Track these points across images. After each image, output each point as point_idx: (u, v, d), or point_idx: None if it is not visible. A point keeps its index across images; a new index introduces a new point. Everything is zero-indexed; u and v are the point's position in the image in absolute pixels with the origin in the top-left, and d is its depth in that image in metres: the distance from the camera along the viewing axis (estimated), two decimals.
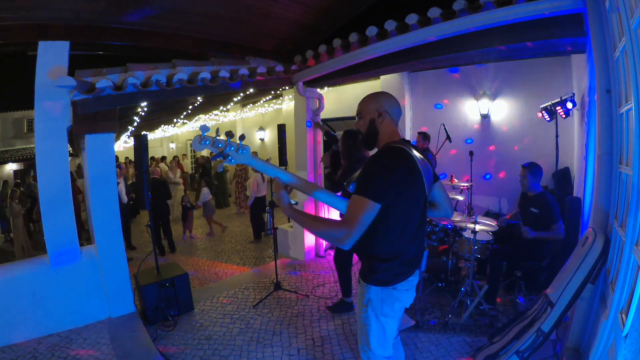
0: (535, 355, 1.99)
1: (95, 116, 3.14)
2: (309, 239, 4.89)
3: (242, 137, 1.43)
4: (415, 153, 1.50)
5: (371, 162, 1.44)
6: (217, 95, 5.87)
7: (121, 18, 3.57)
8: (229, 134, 1.40)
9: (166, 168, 9.68)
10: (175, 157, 13.27)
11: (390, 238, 1.44)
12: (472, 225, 3.05)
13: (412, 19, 2.89)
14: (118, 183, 3.89)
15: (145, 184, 3.52)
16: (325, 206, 4.68)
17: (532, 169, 3.20)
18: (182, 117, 9.22)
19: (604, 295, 1.89)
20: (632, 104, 1.47)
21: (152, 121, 9.40)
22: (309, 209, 4.82)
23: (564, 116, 3.78)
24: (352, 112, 5.89)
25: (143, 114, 6.27)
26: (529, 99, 4.95)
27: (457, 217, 3.79)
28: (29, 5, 3.03)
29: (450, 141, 4.95)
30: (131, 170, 8.99)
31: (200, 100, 6.15)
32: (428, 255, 3.43)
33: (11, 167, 17.28)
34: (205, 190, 7.23)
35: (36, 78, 3.03)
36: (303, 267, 4.60)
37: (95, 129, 3.19)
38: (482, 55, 3.38)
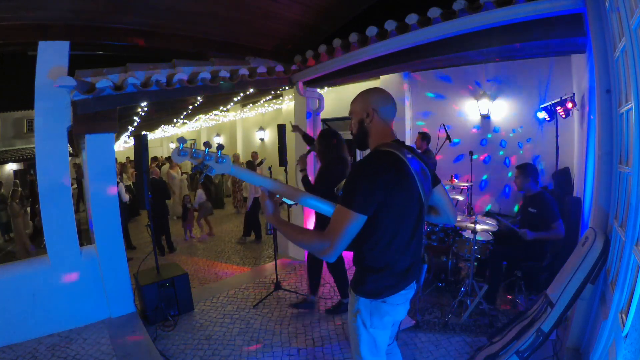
0: (535, 355, 1.99)
1: (95, 116, 3.14)
2: None
3: (220, 147, 1.41)
4: (409, 156, 1.37)
5: (355, 169, 1.35)
6: (217, 95, 5.88)
7: (121, 18, 3.57)
8: (207, 145, 1.39)
9: (178, 172, 9.59)
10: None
11: (379, 248, 1.36)
12: (472, 225, 3.05)
13: (412, 19, 2.89)
14: (118, 182, 3.89)
15: (145, 184, 3.52)
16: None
17: (524, 169, 3.21)
18: (182, 117, 9.23)
19: (604, 295, 1.89)
20: (632, 104, 1.47)
21: (152, 121, 9.40)
22: (309, 209, 4.81)
23: (564, 116, 3.79)
24: None
25: (143, 114, 6.27)
26: (529, 99, 4.95)
27: (457, 217, 3.78)
28: (29, 5, 3.03)
29: (450, 141, 4.95)
30: (130, 170, 8.95)
31: (200, 100, 6.15)
32: (428, 257, 3.43)
33: (11, 167, 17.29)
34: (199, 192, 7.21)
35: (36, 78, 3.04)
36: (303, 267, 4.59)
37: (95, 129, 3.19)
38: (482, 55, 3.38)
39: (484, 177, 5.43)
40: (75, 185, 9.82)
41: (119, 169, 7.95)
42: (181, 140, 1.35)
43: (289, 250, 5.07)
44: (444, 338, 2.84)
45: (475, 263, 3.29)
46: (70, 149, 8.51)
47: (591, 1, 2.03)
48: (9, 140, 18.31)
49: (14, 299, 2.95)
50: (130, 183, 8.01)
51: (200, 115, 10.02)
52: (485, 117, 5.32)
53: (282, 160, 4.06)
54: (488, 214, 4.70)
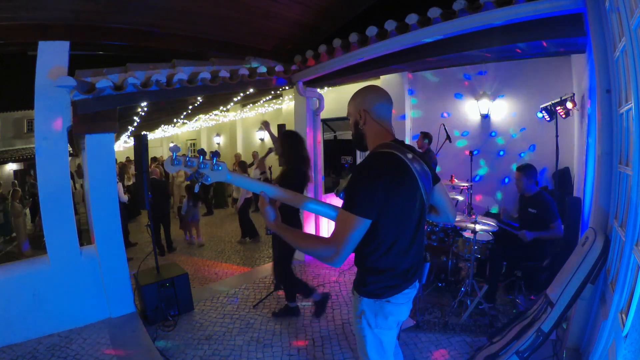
0: (535, 355, 1.99)
1: (95, 116, 3.14)
2: None
3: (215, 154, 1.36)
4: (409, 156, 1.34)
5: (356, 172, 1.32)
6: (217, 95, 5.87)
7: (121, 18, 3.57)
8: (202, 152, 1.34)
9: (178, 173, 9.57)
10: None
11: (381, 250, 1.33)
12: (472, 225, 3.05)
13: (412, 19, 2.89)
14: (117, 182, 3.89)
15: (145, 184, 3.52)
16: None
17: (526, 170, 3.20)
18: (182, 117, 9.23)
19: (604, 295, 1.89)
20: (632, 104, 1.47)
21: (152, 121, 9.40)
22: (309, 216, 4.81)
23: (564, 116, 3.79)
24: None
25: (143, 114, 6.27)
26: (529, 99, 4.95)
27: (457, 217, 3.79)
28: (29, 5, 3.03)
29: (450, 141, 4.95)
30: (131, 170, 8.94)
31: (200, 100, 6.15)
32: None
33: (11, 167, 17.29)
34: (184, 200, 6.93)
35: (36, 78, 3.03)
36: (303, 267, 4.59)
37: (95, 129, 3.19)
38: (482, 55, 3.38)
39: (482, 173, 5.43)
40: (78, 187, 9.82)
41: (119, 169, 7.95)
42: (174, 149, 1.30)
43: None
44: (444, 338, 2.84)
45: (475, 263, 3.29)
46: (70, 149, 8.51)
47: (591, 1, 2.03)
48: (9, 140, 18.32)
49: (14, 299, 2.95)
50: (131, 183, 8.01)
51: (200, 115, 10.02)
52: (485, 117, 5.32)
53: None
54: (488, 214, 4.70)
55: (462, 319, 3.04)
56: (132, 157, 9.72)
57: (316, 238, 1.40)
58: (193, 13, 3.73)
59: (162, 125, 11.93)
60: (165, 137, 18.54)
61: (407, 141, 5.72)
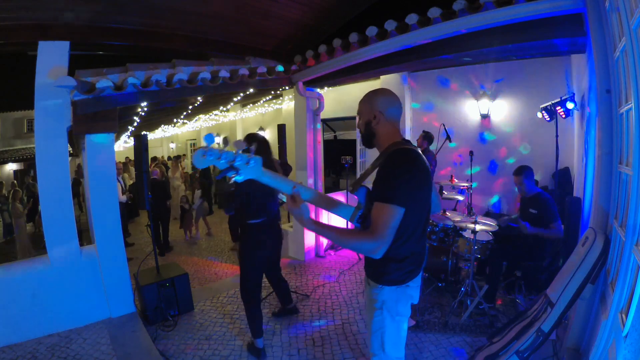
0: (535, 355, 1.99)
1: (95, 116, 3.14)
2: (309, 239, 4.89)
3: (249, 150, 1.21)
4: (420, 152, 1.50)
5: (389, 167, 1.41)
6: (217, 95, 5.87)
7: (121, 18, 3.57)
8: (238, 144, 1.19)
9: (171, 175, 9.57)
10: (176, 157, 13.24)
11: (404, 239, 1.43)
12: (472, 225, 3.05)
13: (412, 19, 2.89)
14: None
15: (145, 184, 3.52)
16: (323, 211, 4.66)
17: (525, 173, 3.20)
18: (182, 117, 9.23)
19: (604, 295, 1.89)
20: (632, 104, 1.47)
21: (152, 121, 9.40)
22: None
23: (564, 116, 3.78)
24: (352, 112, 5.89)
25: (143, 114, 6.27)
26: (529, 99, 4.94)
27: (457, 217, 3.79)
28: (29, 5, 3.03)
29: (450, 141, 4.94)
30: (132, 170, 8.96)
31: (200, 100, 6.15)
32: (428, 257, 3.43)
33: (11, 167, 17.29)
34: (197, 193, 7.17)
35: (36, 78, 3.03)
36: (303, 267, 4.59)
37: (95, 129, 3.19)
38: (482, 55, 3.38)
39: (483, 176, 5.43)
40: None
41: (120, 169, 7.95)
42: (209, 138, 1.13)
43: (288, 250, 5.07)
44: (444, 338, 2.84)
45: (475, 263, 3.29)
46: (70, 149, 8.51)
47: (591, 1, 2.03)
48: (9, 140, 18.32)
49: (14, 299, 2.95)
50: (131, 182, 8.02)
51: (200, 115, 10.02)
52: (485, 117, 5.32)
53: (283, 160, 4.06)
54: (488, 214, 4.70)
55: (462, 319, 3.04)
56: (132, 157, 9.73)
57: (359, 232, 1.44)
58: (193, 13, 3.73)
59: (162, 125, 11.93)
60: (165, 137, 18.56)
61: None
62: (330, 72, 3.99)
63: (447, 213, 4.02)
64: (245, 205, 2.64)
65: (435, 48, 3.15)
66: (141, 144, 3.57)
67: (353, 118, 6.42)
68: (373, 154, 6.36)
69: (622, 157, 1.78)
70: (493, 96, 5.25)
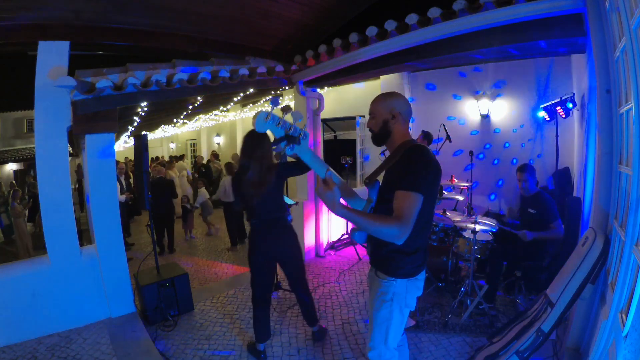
0: (535, 355, 1.99)
1: (95, 116, 3.14)
2: (309, 239, 4.89)
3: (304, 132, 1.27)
4: None
5: (410, 159, 1.51)
6: (217, 95, 5.87)
7: (121, 18, 3.56)
8: (297, 115, 1.25)
9: (176, 173, 9.57)
10: (177, 157, 13.25)
11: (418, 229, 1.49)
12: (472, 225, 3.05)
13: (412, 19, 2.89)
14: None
15: (145, 184, 3.52)
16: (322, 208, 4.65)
17: (530, 170, 3.20)
18: (182, 117, 9.23)
19: (604, 295, 1.89)
20: (632, 104, 1.47)
21: (152, 121, 9.40)
22: (309, 209, 4.82)
23: (564, 116, 3.79)
24: (352, 112, 5.92)
25: (143, 114, 6.27)
26: (529, 99, 4.95)
27: (457, 217, 3.79)
28: (29, 5, 3.03)
29: (450, 141, 4.95)
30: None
31: (201, 100, 6.15)
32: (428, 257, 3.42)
33: (11, 167, 17.29)
34: (202, 191, 7.18)
35: (36, 78, 3.03)
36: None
37: (95, 129, 3.19)
38: (482, 55, 3.38)
39: (484, 176, 5.43)
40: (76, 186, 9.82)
41: (122, 168, 7.94)
42: (275, 102, 1.19)
43: None
44: (444, 338, 2.84)
45: (475, 263, 3.29)
46: (70, 149, 8.51)
47: (591, 1, 2.03)
48: (9, 140, 18.30)
49: (14, 299, 2.95)
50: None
51: (200, 115, 10.02)
52: (485, 117, 5.32)
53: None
54: (488, 214, 4.70)
55: (462, 319, 3.04)
56: (131, 157, 9.72)
57: (383, 217, 1.46)
58: (193, 13, 3.73)
59: (162, 125, 11.92)
60: (165, 137, 18.56)
61: None
62: (330, 72, 3.99)
63: (447, 213, 4.02)
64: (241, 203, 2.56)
65: (435, 48, 3.14)
66: (141, 144, 3.56)
67: (353, 118, 6.41)
68: (374, 154, 6.36)
69: (622, 157, 1.78)
70: (493, 96, 5.25)
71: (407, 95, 5.87)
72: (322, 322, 3.22)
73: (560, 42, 2.73)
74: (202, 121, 11.79)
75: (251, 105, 9.48)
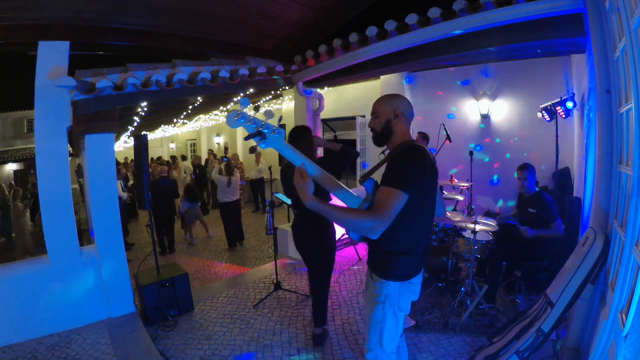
0: (535, 355, 1.99)
1: (95, 116, 3.14)
2: None
3: (280, 127, 1.35)
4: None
5: (400, 157, 1.51)
6: (217, 95, 5.87)
7: (121, 18, 3.57)
8: (268, 113, 1.32)
9: (180, 173, 9.49)
10: (179, 157, 13.23)
11: (412, 230, 1.51)
12: (472, 225, 3.05)
13: (412, 19, 2.89)
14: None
15: (145, 184, 3.52)
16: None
17: (530, 169, 3.20)
18: (182, 117, 9.23)
19: (604, 295, 1.89)
20: (632, 104, 1.47)
21: (152, 121, 9.40)
22: None
23: (564, 116, 3.78)
24: (352, 112, 5.92)
25: (143, 114, 6.27)
26: (529, 99, 4.95)
27: (457, 217, 3.79)
28: (29, 5, 3.03)
29: (450, 141, 4.94)
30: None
31: (200, 100, 6.15)
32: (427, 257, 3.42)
33: (11, 167, 17.29)
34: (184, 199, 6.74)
35: (36, 78, 3.03)
36: (303, 267, 4.59)
37: (95, 129, 3.19)
38: (482, 55, 3.38)
39: (483, 176, 5.43)
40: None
41: (122, 168, 7.95)
42: (244, 102, 1.28)
43: (288, 250, 5.06)
44: (444, 338, 2.84)
45: (475, 263, 3.29)
46: (70, 149, 8.51)
47: (591, 1, 2.03)
48: (9, 140, 18.31)
49: (14, 299, 2.95)
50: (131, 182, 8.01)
51: (200, 115, 10.02)
52: (485, 117, 5.32)
53: (283, 161, 4.06)
54: (488, 214, 4.70)
55: (462, 319, 3.03)
56: (131, 157, 9.70)
57: (360, 211, 1.50)
58: (193, 13, 3.73)
59: (162, 125, 11.93)
60: (165, 137, 18.56)
61: None
62: (330, 72, 3.99)
63: (447, 213, 4.02)
64: None
65: (435, 48, 3.15)
66: (141, 144, 3.56)
67: (353, 118, 6.41)
68: (374, 154, 6.36)
69: (622, 157, 1.78)
70: (493, 96, 5.25)
71: (407, 95, 5.87)
72: None
73: (560, 42, 2.73)
74: (202, 121, 11.79)
75: (251, 105, 9.48)
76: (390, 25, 3.06)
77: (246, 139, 1.41)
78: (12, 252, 7.58)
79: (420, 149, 1.54)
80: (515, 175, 3.30)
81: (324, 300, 2.89)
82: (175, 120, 10.09)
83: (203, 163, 10.78)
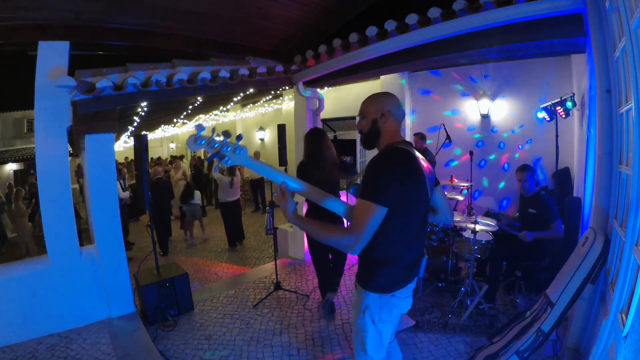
0: (535, 355, 1.99)
1: (95, 116, 3.14)
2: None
3: (239, 137, 1.37)
4: (418, 155, 1.48)
5: (375, 164, 1.40)
6: (217, 95, 5.87)
7: (121, 18, 3.56)
8: (226, 134, 1.34)
9: (173, 173, 9.46)
10: (180, 156, 13.21)
11: (391, 241, 1.41)
12: (472, 225, 3.05)
13: (412, 19, 2.89)
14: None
15: (146, 184, 3.52)
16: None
17: (530, 170, 3.20)
18: (182, 117, 9.23)
19: (604, 295, 1.89)
20: (632, 104, 1.47)
21: (152, 121, 9.40)
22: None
23: (564, 116, 3.78)
24: (352, 112, 5.90)
25: (143, 114, 6.27)
26: (529, 99, 4.95)
27: (457, 217, 3.79)
28: (29, 5, 3.03)
29: (450, 141, 4.94)
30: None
31: (201, 100, 6.15)
32: (428, 257, 3.42)
33: (11, 167, 17.29)
34: (197, 195, 6.82)
35: (36, 78, 3.03)
36: (303, 267, 4.59)
37: (95, 129, 3.19)
38: (482, 55, 3.38)
39: (484, 178, 5.43)
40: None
41: (124, 168, 7.94)
42: (199, 127, 1.29)
43: (289, 250, 5.07)
44: (444, 338, 2.84)
45: (475, 263, 3.29)
46: (70, 149, 8.50)
47: (591, 1, 2.03)
48: (9, 140, 18.30)
49: (14, 299, 2.95)
50: (133, 182, 8.00)
51: (200, 115, 10.02)
52: (485, 117, 5.32)
53: (282, 160, 4.06)
54: (488, 214, 4.70)
55: (462, 319, 3.03)
56: (131, 157, 9.68)
57: (336, 228, 1.44)
58: (193, 13, 3.73)
59: (162, 125, 11.93)
60: (165, 137, 18.55)
61: None
62: (330, 72, 3.99)
63: None
64: None
65: (435, 48, 3.14)
66: (141, 144, 3.56)
67: (353, 118, 6.41)
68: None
69: (622, 157, 1.78)
70: (493, 96, 5.25)
71: (407, 95, 5.87)
72: (322, 322, 3.23)
73: (560, 42, 2.73)
74: (202, 121, 11.78)
75: (251, 105, 9.49)
76: (390, 25, 3.06)
77: (208, 160, 1.43)
78: (13, 252, 7.59)
79: (400, 153, 1.43)
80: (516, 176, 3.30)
81: (342, 271, 3.49)
82: (175, 120, 10.09)
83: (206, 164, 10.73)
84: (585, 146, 2.82)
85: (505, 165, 5.25)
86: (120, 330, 3.11)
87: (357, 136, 6.33)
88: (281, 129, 4.10)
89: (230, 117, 11.24)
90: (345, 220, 1.62)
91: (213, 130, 1.41)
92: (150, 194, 3.69)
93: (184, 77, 3.44)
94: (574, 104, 3.59)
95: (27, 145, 17.93)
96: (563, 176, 4.25)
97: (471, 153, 5.07)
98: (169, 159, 14.05)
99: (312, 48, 4.03)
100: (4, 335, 2.89)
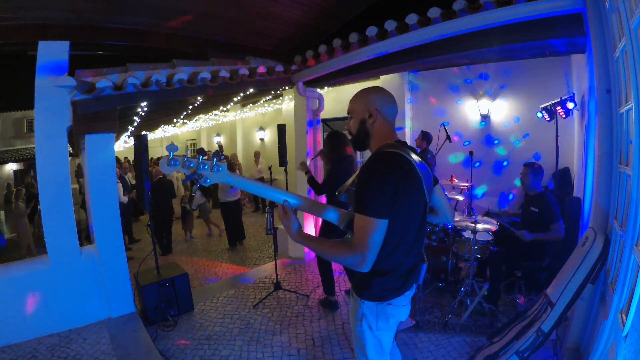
0: (535, 355, 1.99)
1: (95, 116, 3.14)
2: None
3: (216, 154, 1.29)
4: (414, 157, 1.35)
5: (365, 173, 1.30)
6: (217, 95, 5.86)
7: (121, 18, 3.57)
8: (201, 152, 1.26)
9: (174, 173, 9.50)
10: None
11: (387, 251, 1.31)
12: (472, 225, 3.05)
13: (412, 19, 2.89)
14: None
15: (146, 184, 3.52)
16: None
17: (533, 167, 3.20)
18: (182, 117, 9.23)
19: (604, 295, 1.89)
20: (632, 104, 1.47)
21: (152, 121, 9.40)
22: (309, 217, 4.81)
23: (564, 116, 3.78)
24: None
25: (143, 114, 6.27)
26: (529, 99, 4.94)
27: (457, 217, 3.79)
28: (29, 5, 3.03)
29: (450, 141, 4.94)
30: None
31: (200, 100, 6.15)
32: (428, 257, 3.42)
33: (11, 167, 17.29)
34: (197, 194, 7.01)
35: (36, 78, 3.03)
36: (303, 267, 4.59)
37: (95, 129, 3.19)
38: (482, 55, 3.38)
39: (484, 178, 5.43)
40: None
41: (127, 167, 7.93)
42: (171, 148, 1.21)
43: (289, 250, 5.07)
44: (444, 338, 2.84)
45: (476, 263, 3.29)
46: (70, 149, 8.50)
47: (591, 1, 2.03)
48: (9, 140, 18.29)
49: (14, 299, 2.95)
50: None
51: (200, 115, 10.02)
52: (485, 117, 5.32)
53: (282, 161, 4.06)
54: (488, 214, 4.70)
55: (462, 319, 3.04)
56: (131, 157, 9.68)
57: (341, 246, 1.34)
58: (193, 13, 3.73)
59: (162, 125, 11.92)
60: (165, 137, 18.52)
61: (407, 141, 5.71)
62: (330, 72, 3.99)
63: None
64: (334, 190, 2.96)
65: (435, 48, 3.14)
66: (141, 144, 3.56)
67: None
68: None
69: (622, 157, 1.78)
70: (493, 96, 5.25)
71: (407, 96, 5.87)
72: (322, 322, 3.23)
73: (560, 42, 2.73)
74: (202, 121, 11.79)
75: (251, 105, 9.49)
76: (390, 25, 3.06)
77: (184, 181, 1.39)
78: (13, 252, 7.58)
79: (392, 158, 1.30)
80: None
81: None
82: (175, 120, 10.09)
83: None
84: (585, 146, 2.82)
85: (505, 164, 5.25)
86: (120, 330, 3.11)
87: None
88: (281, 129, 4.10)
89: (230, 117, 11.24)
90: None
91: (186, 149, 1.33)
92: (151, 194, 3.69)
93: (184, 77, 3.44)
94: (574, 104, 3.59)
95: (27, 145, 17.93)
96: (563, 176, 4.25)
97: (471, 153, 5.07)
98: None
99: (312, 48, 4.03)
100: (4, 335, 2.89)
